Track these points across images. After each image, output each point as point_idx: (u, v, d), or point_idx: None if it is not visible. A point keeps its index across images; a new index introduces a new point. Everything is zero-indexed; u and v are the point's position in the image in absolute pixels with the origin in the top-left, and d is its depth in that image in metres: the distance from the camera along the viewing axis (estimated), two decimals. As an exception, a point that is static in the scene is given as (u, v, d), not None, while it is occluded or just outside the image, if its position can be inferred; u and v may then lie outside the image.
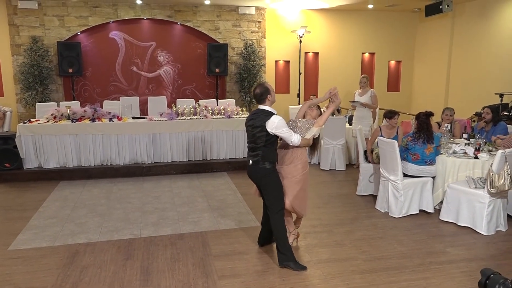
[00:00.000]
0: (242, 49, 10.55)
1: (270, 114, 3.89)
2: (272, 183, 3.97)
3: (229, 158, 7.94)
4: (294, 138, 3.93)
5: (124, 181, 7.14)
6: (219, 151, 7.94)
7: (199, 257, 4.22)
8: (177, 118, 7.74)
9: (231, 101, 9.18)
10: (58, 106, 8.25)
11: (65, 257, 4.24)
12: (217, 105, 8.57)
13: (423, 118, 5.40)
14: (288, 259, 3.96)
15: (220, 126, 7.80)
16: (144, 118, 7.90)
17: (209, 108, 8.09)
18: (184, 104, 8.44)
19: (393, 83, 12.14)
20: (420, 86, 11.81)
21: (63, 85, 9.94)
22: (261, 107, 3.98)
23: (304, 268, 3.95)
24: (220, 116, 7.96)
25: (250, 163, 4.00)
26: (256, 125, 3.90)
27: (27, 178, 7.12)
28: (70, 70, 9.46)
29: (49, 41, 9.65)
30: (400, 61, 12.02)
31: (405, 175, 5.41)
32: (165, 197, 6.26)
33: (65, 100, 9.53)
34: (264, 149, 3.91)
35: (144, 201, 6.06)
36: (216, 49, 10.16)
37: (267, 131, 3.84)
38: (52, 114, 7.62)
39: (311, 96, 9.96)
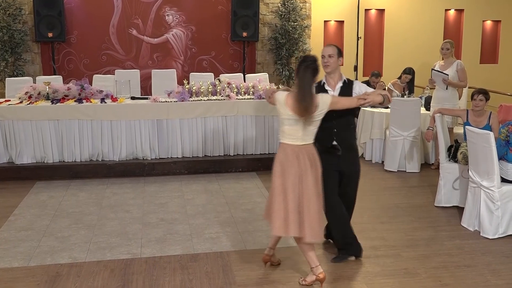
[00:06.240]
0: (279, 5, 10.50)
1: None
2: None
3: (260, 154, 7.96)
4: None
5: (119, 182, 7.26)
6: (246, 144, 7.96)
7: (218, 286, 4.26)
8: (191, 99, 7.80)
9: (264, 76, 9.18)
10: (34, 82, 8.45)
11: (43, 281, 4.35)
12: (244, 81, 8.58)
13: None
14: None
15: (248, 110, 7.82)
16: (146, 98, 8.00)
17: (234, 85, 8.11)
18: (200, 79, 8.48)
19: (489, 52, 11.87)
20: (528, 56, 11.52)
21: (41, 54, 10.16)
22: None
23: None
24: (248, 97, 7.97)
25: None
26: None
27: (-6, 177, 7.36)
28: (50, 35, 9.64)
29: (22, -4, 9.86)
30: (499, 21, 11.72)
31: (504, 180, 5.30)
32: (173, 204, 6.34)
33: (43, 74, 9.71)
34: None
35: (146, 209, 6.16)
36: (243, 5, 10.15)
37: None
38: (26, 93, 7.79)
39: (374, 73, 9.54)
